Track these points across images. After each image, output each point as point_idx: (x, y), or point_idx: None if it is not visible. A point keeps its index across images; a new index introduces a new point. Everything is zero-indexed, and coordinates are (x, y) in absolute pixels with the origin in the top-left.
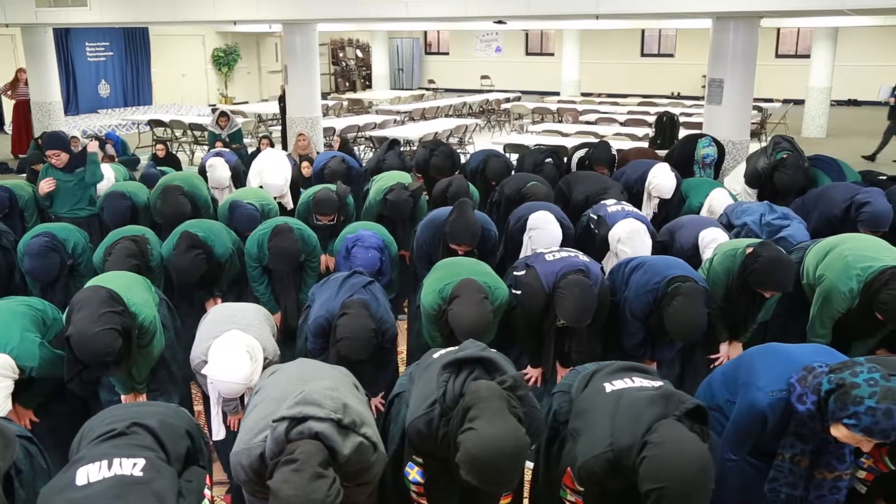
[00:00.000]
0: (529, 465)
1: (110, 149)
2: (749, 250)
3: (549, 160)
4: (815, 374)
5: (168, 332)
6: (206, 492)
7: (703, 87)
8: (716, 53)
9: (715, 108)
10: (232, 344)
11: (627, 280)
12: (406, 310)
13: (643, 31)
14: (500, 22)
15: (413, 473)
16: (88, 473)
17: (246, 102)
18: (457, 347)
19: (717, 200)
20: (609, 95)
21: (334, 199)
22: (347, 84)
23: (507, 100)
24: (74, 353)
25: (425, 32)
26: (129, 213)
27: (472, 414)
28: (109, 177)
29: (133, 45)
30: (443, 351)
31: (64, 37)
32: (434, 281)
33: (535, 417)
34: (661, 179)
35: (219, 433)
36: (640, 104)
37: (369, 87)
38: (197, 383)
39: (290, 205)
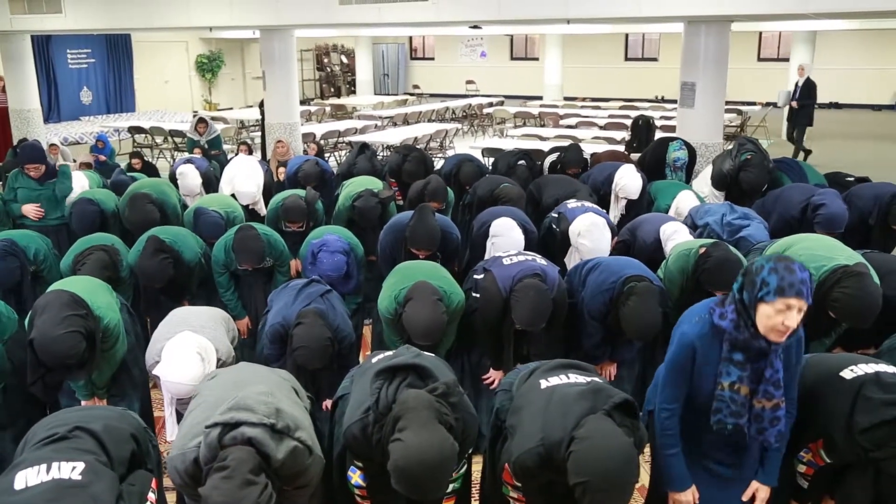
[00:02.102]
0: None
1: (86, 158)
2: (702, 250)
3: (522, 162)
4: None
5: (129, 337)
6: (151, 495)
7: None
8: (688, 57)
9: (687, 112)
10: (183, 345)
11: (584, 280)
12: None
13: (627, 36)
14: (475, 27)
15: (355, 477)
16: (27, 477)
17: (230, 108)
18: (392, 353)
19: (683, 202)
20: (593, 99)
21: (303, 206)
22: (332, 90)
23: (490, 104)
24: (37, 356)
25: (410, 38)
26: (97, 219)
27: (400, 424)
28: (83, 184)
29: (115, 51)
30: (381, 355)
31: (45, 44)
32: (390, 285)
33: (469, 423)
34: (627, 180)
35: (172, 434)
36: (621, 108)
37: (354, 92)
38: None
39: (262, 211)
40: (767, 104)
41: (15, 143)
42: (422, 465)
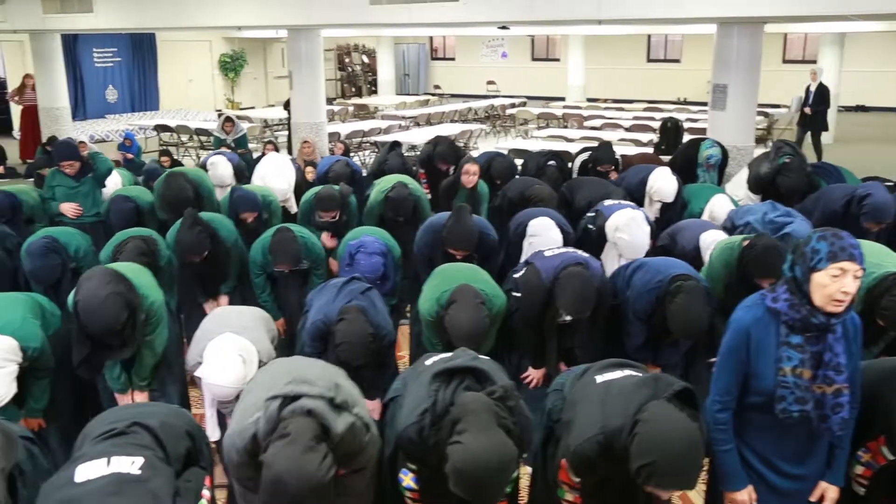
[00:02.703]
0: (528, 470)
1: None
2: (745, 242)
3: (552, 162)
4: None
5: (169, 332)
6: (205, 492)
7: (709, 92)
8: (720, 59)
9: (719, 114)
10: (225, 347)
11: (629, 281)
12: (409, 314)
13: (649, 37)
14: (504, 27)
15: (407, 480)
16: (87, 471)
17: (252, 108)
18: (449, 355)
19: (718, 206)
20: (614, 101)
21: (337, 195)
22: (353, 89)
23: (513, 105)
24: (81, 321)
25: (431, 38)
26: (133, 214)
27: (459, 427)
28: (117, 181)
29: (140, 50)
30: (436, 357)
31: (72, 43)
32: (431, 288)
33: (527, 427)
34: (662, 183)
35: (213, 434)
36: (645, 109)
37: (375, 92)
38: (196, 385)
39: (293, 208)
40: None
41: (44, 140)
42: (482, 469)
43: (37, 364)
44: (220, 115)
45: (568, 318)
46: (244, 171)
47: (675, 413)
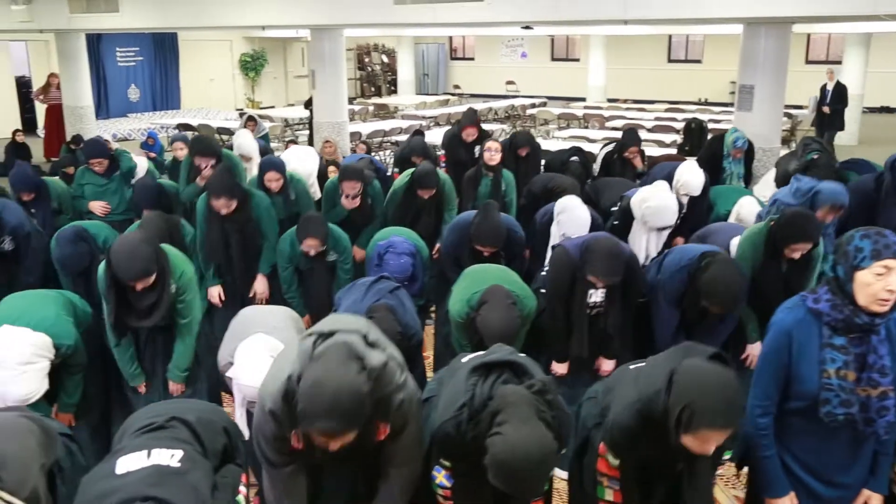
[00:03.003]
0: (561, 473)
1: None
2: (773, 222)
3: (575, 158)
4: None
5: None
6: (242, 489)
7: (732, 93)
8: (746, 59)
9: (745, 115)
10: (256, 347)
11: (660, 267)
12: (434, 315)
13: (670, 37)
14: (527, 27)
15: (440, 477)
16: (128, 463)
17: (272, 107)
18: (486, 351)
19: (745, 208)
20: (635, 101)
21: (360, 168)
22: (373, 89)
23: (533, 105)
24: (113, 267)
25: (450, 38)
26: (156, 193)
27: (499, 418)
28: (144, 166)
29: (162, 50)
30: (472, 355)
31: (95, 42)
32: (462, 289)
33: (565, 421)
34: (689, 176)
35: (244, 434)
36: (667, 110)
37: (394, 92)
38: (224, 386)
39: (317, 194)
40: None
41: (68, 138)
42: (522, 459)
43: (70, 360)
44: (241, 115)
45: (599, 291)
46: (271, 152)
47: (709, 364)
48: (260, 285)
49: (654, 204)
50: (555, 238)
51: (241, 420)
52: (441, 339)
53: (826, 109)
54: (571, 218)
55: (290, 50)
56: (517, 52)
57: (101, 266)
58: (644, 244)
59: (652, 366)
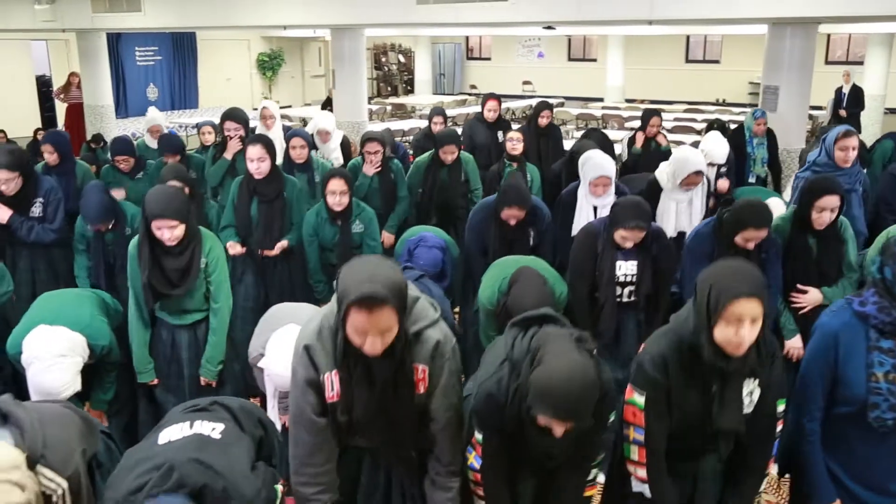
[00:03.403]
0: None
1: None
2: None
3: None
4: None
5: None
6: (279, 486)
7: (751, 94)
8: (771, 60)
9: (770, 116)
10: (289, 337)
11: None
12: (457, 316)
13: (688, 37)
14: (549, 27)
15: (471, 458)
16: (170, 433)
17: (289, 106)
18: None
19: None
20: (652, 102)
21: (380, 132)
22: (389, 89)
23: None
24: (146, 206)
25: (467, 38)
26: (181, 145)
27: (541, 353)
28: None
29: (181, 49)
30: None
31: (115, 42)
32: (491, 277)
33: (606, 378)
34: (712, 144)
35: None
36: (686, 111)
37: (410, 91)
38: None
39: (340, 160)
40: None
41: (88, 137)
42: (567, 381)
43: (105, 359)
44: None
45: (628, 263)
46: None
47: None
48: (281, 244)
49: (681, 154)
50: (581, 202)
51: (273, 411)
52: (468, 341)
53: (843, 113)
54: (594, 163)
55: (307, 50)
56: (534, 52)
57: (134, 240)
58: (673, 216)
59: (676, 314)
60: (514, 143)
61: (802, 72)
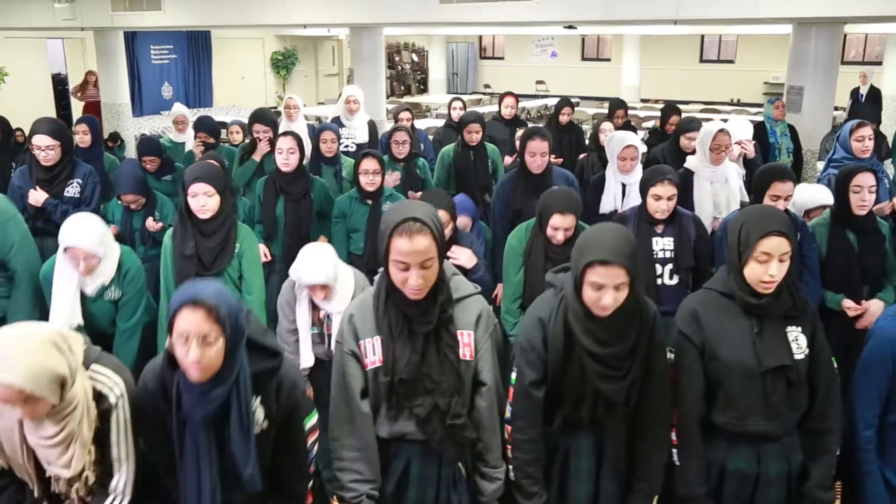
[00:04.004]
0: None
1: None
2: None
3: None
4: None
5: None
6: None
7: (765, 94)
8: (796, 60)
9: (794, 117)
10: (322, 249)
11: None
12: None
13: (703, 37)
14: (570, 27)
15: (507, 412)
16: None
17: (304, 105)
18: None
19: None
20: (665, 102)
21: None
22: (402, 88)
23: None
24: (185, 176)
25: (480, 37)
26: (160, 146)
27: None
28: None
29: (195, 47)
30: None
31: (130, 40)
32: (518, 228)
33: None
34: (734, 122)
35: (307, 360)
36: (702, 111)
37: (423, 91)
38: None
39: (365, 139)
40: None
41: (105, 136)
42: (603, 227)
43: (129, 288)
44: (278, 114)
45: (664, 240)
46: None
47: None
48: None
49: (705, 128)
50: (609, 181)
51: (305, 341)
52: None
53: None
54: (619, 137)
55: (321, 49)
56: (547, 51)
57: (168, 231)
58: (709, 197)
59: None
60: (537, 157)
61: (828, 72)
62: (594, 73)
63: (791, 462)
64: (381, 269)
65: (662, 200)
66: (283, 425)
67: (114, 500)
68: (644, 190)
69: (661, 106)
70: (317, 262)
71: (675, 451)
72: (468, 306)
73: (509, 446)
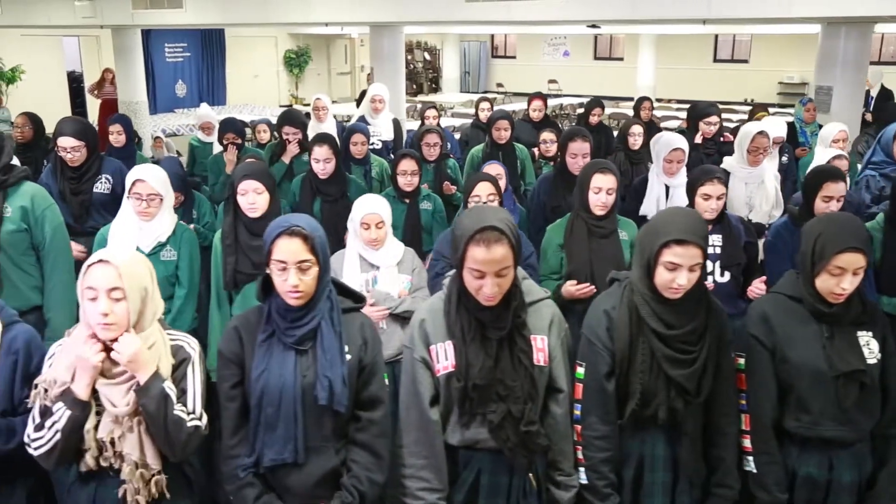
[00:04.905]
0: None
1: None
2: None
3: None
4: None
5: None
6: None
7: (780, 94)
8: (824, 60)
9: (822, 117)
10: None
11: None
12: None
13: (716, 37)
14: (593, 26)
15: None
16: None
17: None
18: None
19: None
20: (678, 101)
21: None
22: (414, 87)
23: (581, 105)
24: (232, 178)
25: (492, 36)
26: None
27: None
28: None
29: (209, 46)
30: None
31: (145, 38)
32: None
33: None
34: (769, 121)
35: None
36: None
37: (435, 89)
38: None
39: (390, 136)
40: None
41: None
42: (675, 209)
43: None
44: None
45: (713, 237)
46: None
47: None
48: None
49: (744, 127)
50: (652, 183)
51: (352, 272)
52: None
53: (868, 116)
54: (666, 139)
55: (334, 47)
56: (559, 50)
57: (218, 233)
58: (743, 199)
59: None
60: (549, 144)
61: (857, 72)
62: (607, 72)
63: (862, 470)
64: (449, 273)
65: (712, 199)
66: (368, 377)
67: (192, 420)
68: (693, 189)
69: (675, 106)
70: (376, 198)
71: (749, 458)
72: (540, 311)
73: (579, 447)
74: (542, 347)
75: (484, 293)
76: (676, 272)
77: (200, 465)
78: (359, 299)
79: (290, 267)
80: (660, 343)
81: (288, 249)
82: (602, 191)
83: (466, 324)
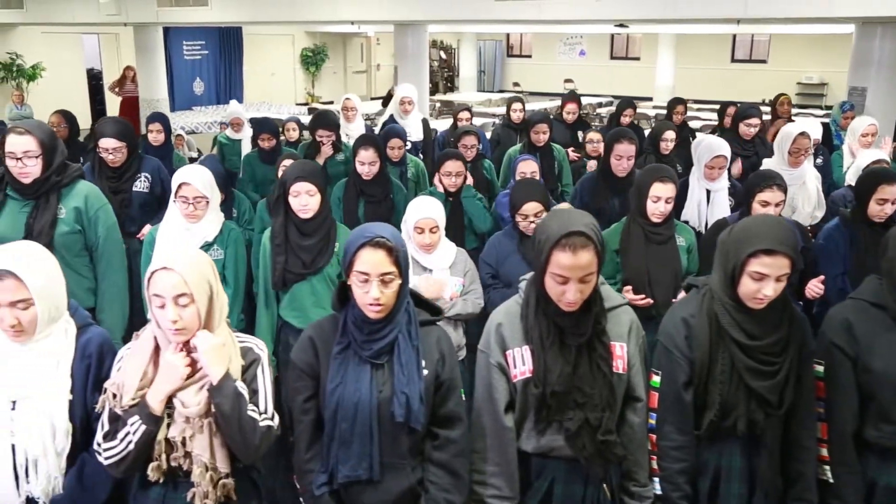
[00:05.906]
0: None
1: None
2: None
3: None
4: None
5: None
6: None
7: (799, 94)
8: (858, 60)
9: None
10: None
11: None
12: None
13: (734, 37)
14: (621, 25)
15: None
16: None
17: (332, 102)
18: None
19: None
20: (695, 101)
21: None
22: (430, 86)
23: (600, 104)
24: (284, 177)
25: (508, 35)
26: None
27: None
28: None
29: (227, 43)
30: None
31: (164, 36)
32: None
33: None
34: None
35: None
36: None
37: (450, 88)
38: None
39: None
40: None
41: (143, 130)
42: (764, 218)
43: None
44: (310, 111)
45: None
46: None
47: None
48: None
49: (785, 128)
50: (693, 187)
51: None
52: None
53: None
54: (708, 144)
55: (350, 45)
56: (575, 49)
57: (267, 231)
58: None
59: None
60: (594, 144)
61: (892, 72)
62: (623, 71)
63: None
64: (525, 276)
65: (770, 207)
66: (446, 393)
67: (264, 420)
68: (751, 194)
69: (697, 106)
70: (432, 202)
71: (826, 467)
72: (619, 317)
73: (654, 457)
74: (621, 355)
75: (567, 299)
76: (763, 283)
77: (266, 469)
78: (436, 312)
79: (373, 279)
80: (741, 354)
81: (371, 261)
82: (661, 200)
83: (545, 329)
